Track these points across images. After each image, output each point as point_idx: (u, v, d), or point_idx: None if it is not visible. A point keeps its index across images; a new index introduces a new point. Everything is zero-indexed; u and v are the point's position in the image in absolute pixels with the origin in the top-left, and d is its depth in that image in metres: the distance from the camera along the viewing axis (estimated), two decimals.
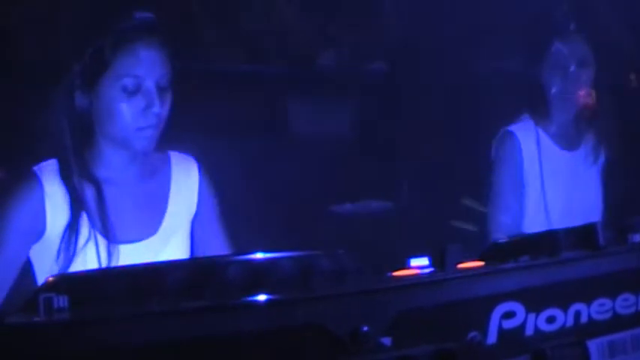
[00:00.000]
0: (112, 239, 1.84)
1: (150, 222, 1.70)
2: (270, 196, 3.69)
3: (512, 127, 2.72)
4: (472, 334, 0.60)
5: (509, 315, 0.62)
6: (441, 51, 4.49)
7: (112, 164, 1.91)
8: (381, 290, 0.59)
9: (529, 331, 0.62)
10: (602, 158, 2.87)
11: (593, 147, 2.85)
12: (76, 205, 1.88)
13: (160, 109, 1.78)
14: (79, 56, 1.87)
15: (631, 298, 0.70)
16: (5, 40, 3.86)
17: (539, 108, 2.75)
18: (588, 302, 0.67)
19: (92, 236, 1.89)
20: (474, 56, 4.07)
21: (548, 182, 2.64)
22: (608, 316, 0.68)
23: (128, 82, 1.78)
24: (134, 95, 1.79)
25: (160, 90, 1.80)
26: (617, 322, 0.69)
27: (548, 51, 2.72)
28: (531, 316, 0.63)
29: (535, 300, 0.64)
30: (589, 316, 0.67)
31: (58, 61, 2.02)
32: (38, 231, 1.82)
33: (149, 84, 1.78)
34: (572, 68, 2.73)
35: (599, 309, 0.67)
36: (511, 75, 2.96)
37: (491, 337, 0.60)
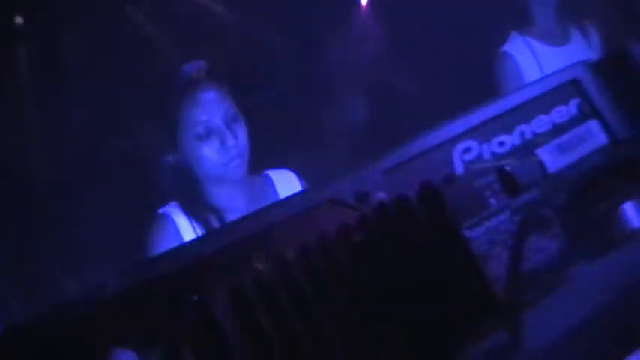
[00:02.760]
0: None
1: None
2: None
3: (505, 48, 2.97)
4: (445, 171, 0.85)
5: (467, 150, 0.86)
6: None
7: (220, 196, 2.21)
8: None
9: (486, 157, 0.87)
10: (595, 41, 3.09)
11: (582, 35, 3.08)
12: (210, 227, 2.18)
13: (235, 140, 2.14)
14: (156, 124, 2.21)
15: (563, 108, 0.94)
16: None
17: (523, 20, 2.99)
18: (528, 122, 0.91)
19: None
20: None
21: None
22: (548, 127, 0.92)
23: (199, 129, 2.11)
24: (208, 138, 2.14)
25: (229, 123, 2.16)
26: (557, 130, 0.93)
27: None
28: (485, 146, 0.88)
29: (488, 132, 0.89)
30: (532, 132, 0.91)
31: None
32: None
33: (216, 123, 2.13)
34: None
35: (538, 124, 0.92)
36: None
37: (459, 169, 0.85)
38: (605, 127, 0.94)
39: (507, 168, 0.85)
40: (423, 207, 0.79)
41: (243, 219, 0.77)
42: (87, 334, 0.68)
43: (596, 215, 0.92)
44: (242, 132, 2.19)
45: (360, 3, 5.76)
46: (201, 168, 2.19)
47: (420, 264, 0.77)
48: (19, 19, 4.94)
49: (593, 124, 0.94)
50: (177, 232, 2.19)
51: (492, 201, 0.84)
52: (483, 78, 3.13)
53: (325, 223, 0.76)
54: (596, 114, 0.95)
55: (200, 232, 2.17)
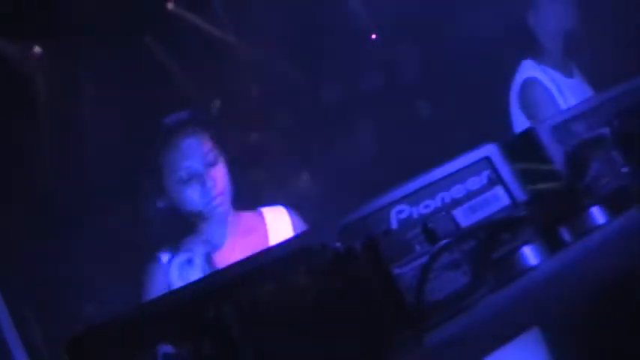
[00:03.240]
0: None
1: None
2: None
3: (530, 75, 3.23)
4: (384, 226, 1.21)
5: (400, 211, 1.23)
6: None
7: (209, 231, 2.39)
8: None
9: (415, 216, 1.23)
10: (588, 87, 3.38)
11: (579, 70, 3.38)
12: (193, 274, 2.30)
13: (214, 181, 2.36)
14: (140, 168, 2.44)
15: (476, 178, 1.30)
16: None
17: (537, 50, 3.29)
18: (448, 190, 1.28)
19: None
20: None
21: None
22: (463, 193, 1.29)
23: (181, 174, 2.36)
24: (190, 182, 2.36)
25: (208, 167, 2.38)
26: (470, 195, 1.29)
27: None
28: (414, 208, 1.24)
29: (416, 198, 1.25)
30: (450, 197, 1.27)
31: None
32: None
33: (196, 168, 2.37)
34: (555, 7, 3.26)
35: (456, 191, 1.28)
36: (507, 30, 3.48)
37: (394, 225, 1.22)
38: (508, 192, 1.31)
39: (429, 224, 1.22)
40: (366, 253, 1.15)
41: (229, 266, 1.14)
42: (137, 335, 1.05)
43: (500, 256, 1.28)
44: (222, 173, 2.38)
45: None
46: (187, 208, 2.39)
47: (363, 294, 1.13)
48: (37, 49, 5.25)
49: (499, 190, 1.31)
50: (166, 276, 2.34)
51: (417, 247, 1.20)
52: (494, 107, 3.39)
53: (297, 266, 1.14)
54: (501, 182, 1.31)
55: (188, 275, 2.31)
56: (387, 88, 5.57)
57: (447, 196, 1.27)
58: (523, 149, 1.34)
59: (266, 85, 6.33)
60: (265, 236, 2.44)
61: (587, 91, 3.32)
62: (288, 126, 5.97)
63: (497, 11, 3.49)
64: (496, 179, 1.31)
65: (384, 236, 1.19)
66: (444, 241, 1.19)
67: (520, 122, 3.17)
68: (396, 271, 1.16)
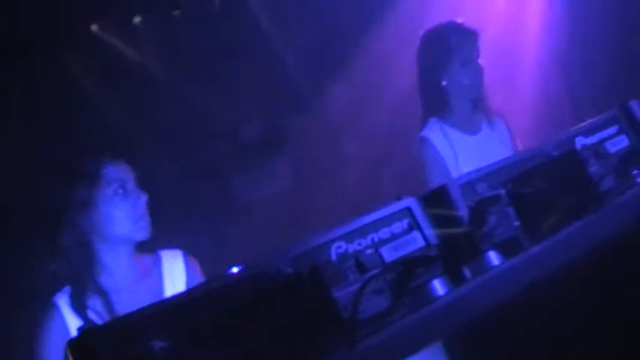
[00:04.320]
0: None
1: None
2: None
3: (424, 133, 3.66)
4: (324, 257, 1.58)
5: (339, 247, 1.60)
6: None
7: (114, 272, 2.48)
8: None
9: (350, 251, 1.60)
10: (503, 132, 3.81)
11: (489, 126, 3.79)
12: (90, 322, 2.37)
13: (145, 201, 2.50)
14: (73, 186, 2.48)
15: (399, 224, 1.69)
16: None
17: (443, 109, 3.70)
18: (377, 231, 1.66)
19: None
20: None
21: (465, 168, 3.56)
22: (388, 235, 1.67)
23: (117, 186, 2.47)
24: (124, 195, 2.47)
25: (139, 187, 2.51)
26: (394, 236, 1.67)
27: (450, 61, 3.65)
28: (350, 245, 1.61)
29: (352, 237, 1.62)
30: (378, 237, 1.65)
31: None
32: None
33: (132, 184, 2.51)
34: (466, 70, 3.68)
35: (383, 233, 1.66)
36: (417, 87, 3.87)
37: (334, 257, 1.58)
38: (423, 236, 1.69)
39: (360, 258, 1.60)
40: (312, 278, 1.52)
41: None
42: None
43: (414, 286, 1.66)
44: (147, 197, 2.51)
45: None
46: (111, 226, 2.45)
47: (308, 311, 1.49)
48: None
49: (417, 233, 1.70)
50: (63, 323, 2.41)
51: (351, 276, 1.58)
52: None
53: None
54: (418, 227, 1.70)
55: (85, 320, 2.37)
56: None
57: (375, 236, 1.64)
58: (436, 202, 1.73)
59: (185, 112, 6.49)
60: (160, 278, 2.59)
61: (495, 144, 3.72)
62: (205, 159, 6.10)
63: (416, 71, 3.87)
64: (414, 225, 1.69)
65: (325, 265, 1.56)
66: (372, 272, 1.57)
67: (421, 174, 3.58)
68: (335, 293, 1.53)
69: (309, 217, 5.42)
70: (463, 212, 1.76)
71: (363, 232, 1.64)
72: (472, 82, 3.61)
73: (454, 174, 3.44)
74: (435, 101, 3.66)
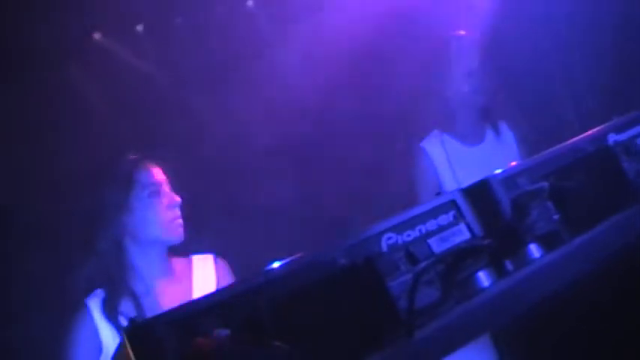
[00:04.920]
0: None
1: None
2: None
3: (422, 143, 3.70)
4: (377, 249, 1.61)
5: (389, 238, 1.63)
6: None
7: (145, 275, 2.54)
8: None
9: (400, 242, 1.64)
10: (509, 139, 3.85)
11: (495, 135, 3.83)
12: (120, 326, 2.44)
13: (179, 202, 2.54)
14: (107, 189, 2.57)
15: (444, 216, 1.72)
16: None
17: (446, 120, 3.73)
18: (425, 223, 1.69)
19: None
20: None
21: (462, 179, 3.60)
22: (435, 227, 1.70)
23: (151, 189, 2.54)
24: (157, 197, 2.54)
25: (172, 191, 2.58)
26: (441, 228, 1.71)
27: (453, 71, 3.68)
28: (399, 236, 1.64)
29: (401, 228, 1.66)
30: (426, 229, 1.69)
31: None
32: (98, 348, 2.44)
33: (164, 188, 2.57)
34: (470, 78, 3.71)
35: (430, 225, 1.70)
36: (421, 98, 3.91)
37: (385, 249, 1.62)
38: (469, 227, 1.73)
39: (410, 249, 1.63)
40: (366, 268, 1.55)
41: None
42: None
43: (462, 277, 1.70)
44: (179, 201, 2.59)
45: None
46: (148, 227, 2.52)
47: (363, 301, 1.53)
48: None
49: (462, 226, 1.73)
50: (93, 326, 2.48)
51: (402, 267, 1.61)
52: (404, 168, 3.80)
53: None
54: (463, 219, 1.74)
55: (115, 324, 2.45)
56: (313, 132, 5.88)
57: (423, 228, 1.68)
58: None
59: (188, 120, 6.51)
60: (190, 284, 2.63)
61: (498, 154, 3.77)
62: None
63: (416, 81, 3.91)
64: (460, 217, 1.73)
65: (377, 257, 1.60)
66: (424, 263, 1.60)
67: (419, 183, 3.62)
68: (387, 284, 1.57)
69: (318, 224, 5.45)
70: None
71: (411, 223, 1.68)
72: (476, 91, 3.65)
73: (449, 185, 3.49)
74: (438, 112, 3.71)
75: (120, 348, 1.47)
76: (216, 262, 2.67)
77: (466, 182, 3.43)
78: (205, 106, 6.66)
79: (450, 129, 3.71)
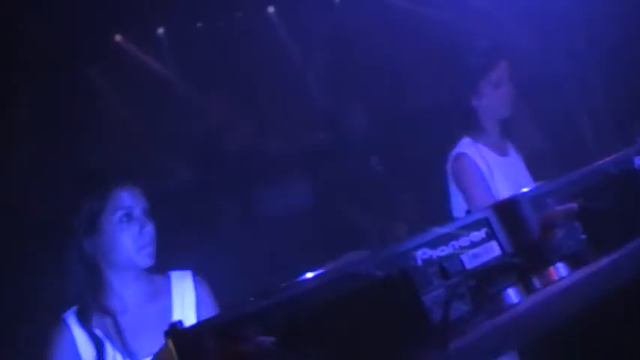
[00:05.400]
0: (134, 358, 2.46)
1: (161, 338, 1.86)
2: None
3: (461, 150, 3.73)
4: (411, 263, 1.68)
5: (423, 253, 1.70)
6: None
7: (122, 294, 2.53)
8: None
9: (435, 257, 1.70)
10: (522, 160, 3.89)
11: (515, 151, 3.88)
12: (98, 340, 2.46)
13: (150, 228, 2.53)
14: (80, 209, 2.50)
15: (476, 233, 1.78)
16: None
17: (475, 129, 3.78)
18: (457, 239, 1.76)
19: (117, 359, 2.47)
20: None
21: (500, 186, 3.64)
22: (467, 243, 1.77)
23: (122, 213, 2.49)
24: (129, 223, 2.50)
25: (146, 215, 2.55)
26: (473, 244, 1.77)
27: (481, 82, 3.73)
28: (433, 251, 1.71)
29: (435, 243, 1.72)
30: (459, 245, 1.75)
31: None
32: None
33: (137, 212, 2.53)
34: (497, 91, 3.77)
35: (463, 241, 1.76)
36: (450, 107, 3.97)
37: (419, 262, 1.68)
38: (499, 244, 1.80)
39: (444, 264, 1.70)
40: (404, 282, 1.62)
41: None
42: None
43: (492, 293, 1.76)
44: (153, 226, 2.56)
45: None
46: (115, 253, 2.50)
47: (398, 313, 1.59)
48: None
49: (494, 243, 1.80)
50: (72, 340, 2.47)
51: (435, 281, 1.67)
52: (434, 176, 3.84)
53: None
54: (494, 237, 1.80)
55: (93, 344, 2.45)
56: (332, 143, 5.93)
57: (456, 244, 1.74)
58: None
59: (207, 124, 6.57)
60: (169, 299, 2.62)
61: (520, 168, 3.82)
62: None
63: (444, 90, 3.97)
64: (491, 234, 1.80)
65: (412, 270, 1.66)
66: (456, 278, 1.67)
67: (453, 193, 3.66)
68: (421, 297, 1.63)
69: (329, 235, 5.50)
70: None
71: (445, 239, 1.74)
72: (502, 103, 3.70)
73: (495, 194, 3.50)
74: (466, 121, 3.74)
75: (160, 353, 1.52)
76: (194, 280, 2.68)
77: (503, 193, 3.56)
78: (222, 110, 6.71)
79: (480, 138, 3.74)
